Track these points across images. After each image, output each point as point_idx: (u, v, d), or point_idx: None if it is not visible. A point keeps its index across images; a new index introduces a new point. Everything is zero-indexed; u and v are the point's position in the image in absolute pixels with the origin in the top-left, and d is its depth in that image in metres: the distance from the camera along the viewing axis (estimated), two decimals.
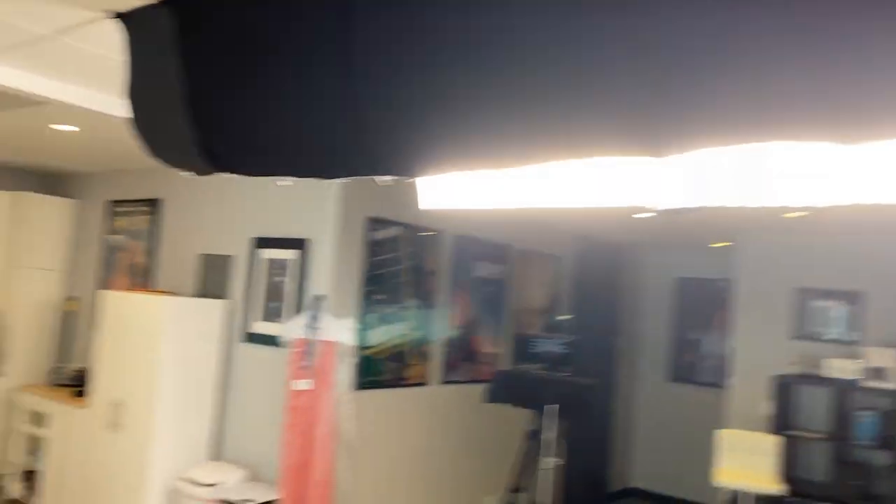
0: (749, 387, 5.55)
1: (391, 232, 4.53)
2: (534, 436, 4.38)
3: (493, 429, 5.40)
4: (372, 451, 4.41)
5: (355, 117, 1.61)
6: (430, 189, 2.90)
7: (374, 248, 4.43)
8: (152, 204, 5.44)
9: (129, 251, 5.60)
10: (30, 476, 5.15)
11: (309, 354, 4.05)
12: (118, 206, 5.75)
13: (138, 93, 2.05)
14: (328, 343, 4.03)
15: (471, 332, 5.19)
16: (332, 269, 4.21)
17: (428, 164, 1.71)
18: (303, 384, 4.02)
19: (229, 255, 4.82)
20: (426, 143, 1.61)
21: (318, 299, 4.09)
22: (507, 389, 4.14)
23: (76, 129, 4.28)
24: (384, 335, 4.51)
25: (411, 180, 1.76)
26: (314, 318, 4.06)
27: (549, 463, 4.09)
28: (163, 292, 4.85)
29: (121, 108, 3.40)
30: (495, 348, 5.43)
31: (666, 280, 7.36)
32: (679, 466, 6.95)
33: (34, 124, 4.24)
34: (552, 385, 3.93)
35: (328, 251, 4.23)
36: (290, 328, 4.15)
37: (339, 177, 1.90)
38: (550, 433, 4.09)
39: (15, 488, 5.26)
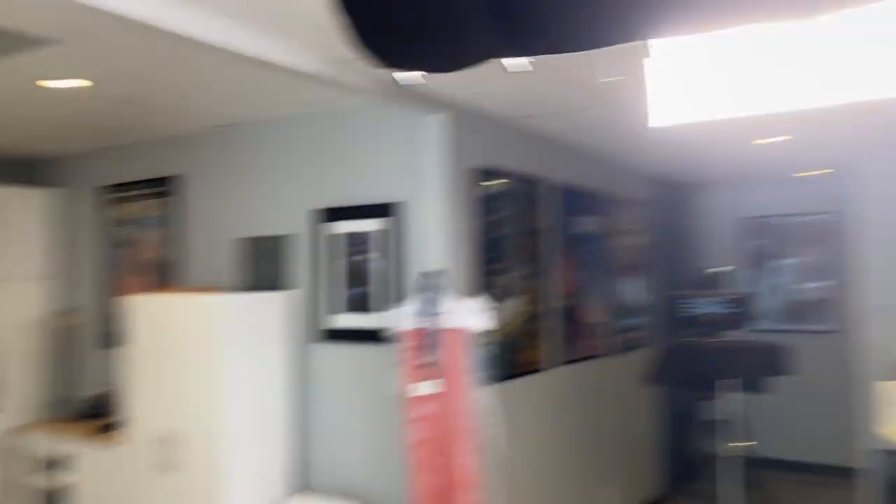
0: (885, 331, 4.84)
1: (497, 186, 3.62)
2: (700, 418, 3.58)
3: (620, 410, 4.57)
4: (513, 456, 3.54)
5: None
6: (667, 101, 2.18)
7: (482, 207, 3.51)
8: (166, 183, 4.38)
9: (139, 245, 4.53)
10: None
11: (430, 348, 3.13)
12: (118, 190, 4.65)
13: None
14: (454, 331, 3.12)
15: (580, 300, 4.32)
16: (439, 236, 3.28)
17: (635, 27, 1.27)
18: (426, 387, 3.11)
19: (283, 235, 3.84)
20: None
21: (432, 276, 3.17)
22: (677, 367, 3.29)
23: (84, 84, 3.21)
24: (505, 313, 3.62)
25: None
26: (430, 302, 3.14)
27: (737, 448, 3.29)
28: (196, 290, 3.85)
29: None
30: (606, 317, 4.58)
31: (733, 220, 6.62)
32: (811, 429, 6.14)
33: (19, 79, 3.15)
34: (743, 354, 3.10)
35: (432, 214, 3.29)
36: (396, 317, 3.22)
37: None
38: (736, 412, 3.29)
39: None
